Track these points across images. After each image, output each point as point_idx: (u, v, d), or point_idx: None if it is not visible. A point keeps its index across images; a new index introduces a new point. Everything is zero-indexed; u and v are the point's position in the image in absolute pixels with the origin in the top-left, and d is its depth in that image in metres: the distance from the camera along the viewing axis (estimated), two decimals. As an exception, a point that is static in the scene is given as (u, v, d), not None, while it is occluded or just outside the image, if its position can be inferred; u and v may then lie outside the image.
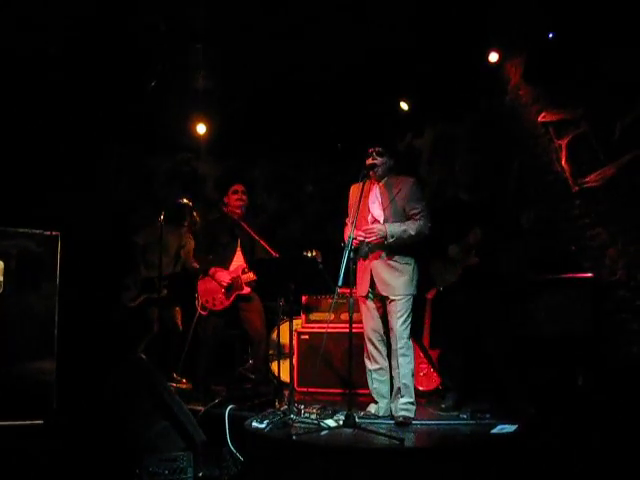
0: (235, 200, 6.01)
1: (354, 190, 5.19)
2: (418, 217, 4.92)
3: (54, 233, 5.12)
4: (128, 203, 8.01)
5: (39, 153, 6.90)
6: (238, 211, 6.01)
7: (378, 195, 5.06)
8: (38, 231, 5.07)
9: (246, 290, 5.85)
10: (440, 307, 5.84)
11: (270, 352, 6.37)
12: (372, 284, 4.95)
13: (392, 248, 4.88)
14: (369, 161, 5.01)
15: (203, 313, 5.95)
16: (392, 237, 4.79)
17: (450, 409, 5.14)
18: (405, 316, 4.85)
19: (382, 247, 4.90)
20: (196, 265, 6.58)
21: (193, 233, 7.04)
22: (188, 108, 7.23)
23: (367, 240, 4.85)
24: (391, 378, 5.01)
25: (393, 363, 4.92)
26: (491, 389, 5.31)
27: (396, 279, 4.88)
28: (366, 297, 5.01)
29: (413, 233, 4.85)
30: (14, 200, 6.29)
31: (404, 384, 4.82)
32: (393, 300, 4.85)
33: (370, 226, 4.86)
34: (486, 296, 5.27)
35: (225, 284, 5.81)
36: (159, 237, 6.52)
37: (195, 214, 7.09)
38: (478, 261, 5.41)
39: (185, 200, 6.98)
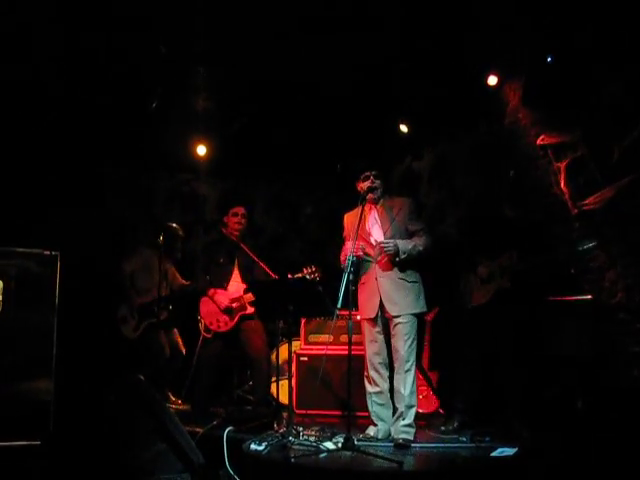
0: (234, 223, 6.01)
1: (349, 218, 5.26)
2: (421, 233, 4.96)
3: (53, 253, 5.10)
4: (128, 223, 8.01)
5: (39, 173, 6.91)
6: (236, 233, 6.01)
7: (377, 218, 5.09)
8: (37, 251, 5.06)
9: (250, 310, 5.84)
10: (445, 328, 5.81)
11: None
12: (380, 306, 4.95)
13: (399, 267, 4.90)
14: (368, 184, 5.05)
15: (207, 336, 5.92)
16: (404, 253, 4.82)
17: (455, 431, 5.10)
18: (411, 339, 4.86)
19: (389, 266, 4.91)
20: (183, 282, 6.59)
21: (173, 257, 7.01)
22: (188, 129, 7.25)
23: (384, 251, 4.85)
24: (392, 401, 4.99)
25: (396, 386, 4.91)
26: (493, 411, 5.28)
27: (404, 297, 4.90)
28: (374, 320, 5.00)
29: (422, 249, 4.90)
30: (14, 220, 6.29)
31: (407, 407, 4.81)
32: (399, 322, 4.85)
33: (383, 241, 4.86)
34: (508, 318, 5.25)
35: (223, 307, 5.80)
36: (149, 261, 6.53)
37: (180, 243, 7.05)
38: (509, 285, 5.36)
39: (174, 225, 6.98)
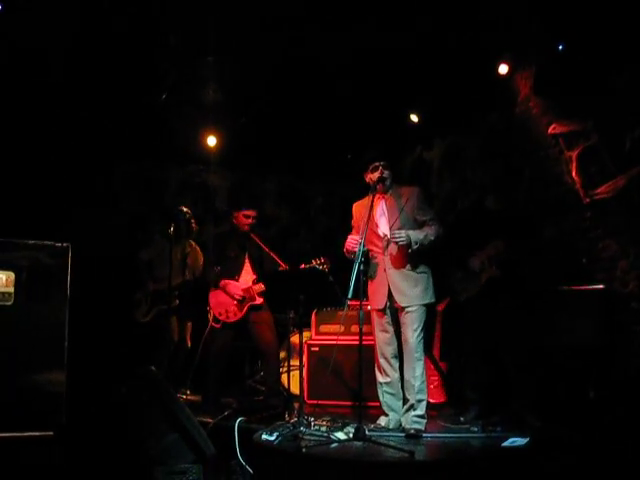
0: (244, 225, 6.04)
1: (358, 207, 5.24)
2: (431, 222, 4.94)
3: (65, 245, 5.11)
4: (139, 215, 8.04)
5: (50, 165, 6.94)
6: (247, 227, 6.05)
7: (384, 208, 5.07)
8: (49, 243, 5.07)
9: (259, 300, 5.88)
10: (456, 319, 5.79)
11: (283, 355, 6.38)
12: (389, 296, 4.94)
13: (408, 258, 4.88)
14: (378, 175, 5.01)
15: (216, 326, 5.95)
16: (416, 244, 4.78)
17: (469, 421, 5.09)
18: (420, 328, 4.85)
19: (398, 258, 4.90)
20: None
21: (196, 241, 7.06)
22: (199, 121, 7.25)
23: (396, 243, 4.82)
24: (402, 391, 4.99)
25: (405, 376, 4.91)
26: (504, 401, 5.27)
27: (413, 288, 4.88)
28: (383, 310, 4.99)
29: (433, 238, 4.87)
30: (25, 212, 6.32)
31: (418, 399, 4.81)
32: (408, 312, 4.84)
33: (395, 232, 4.83)
34: (506, 308, 5.22)
35: (238, 297, 5.83)
36: (164, 250, 6.55)
37: (193, 222, 7.02)
38: (500, 273, 5.35)
39: (183, 208, 6.98)
